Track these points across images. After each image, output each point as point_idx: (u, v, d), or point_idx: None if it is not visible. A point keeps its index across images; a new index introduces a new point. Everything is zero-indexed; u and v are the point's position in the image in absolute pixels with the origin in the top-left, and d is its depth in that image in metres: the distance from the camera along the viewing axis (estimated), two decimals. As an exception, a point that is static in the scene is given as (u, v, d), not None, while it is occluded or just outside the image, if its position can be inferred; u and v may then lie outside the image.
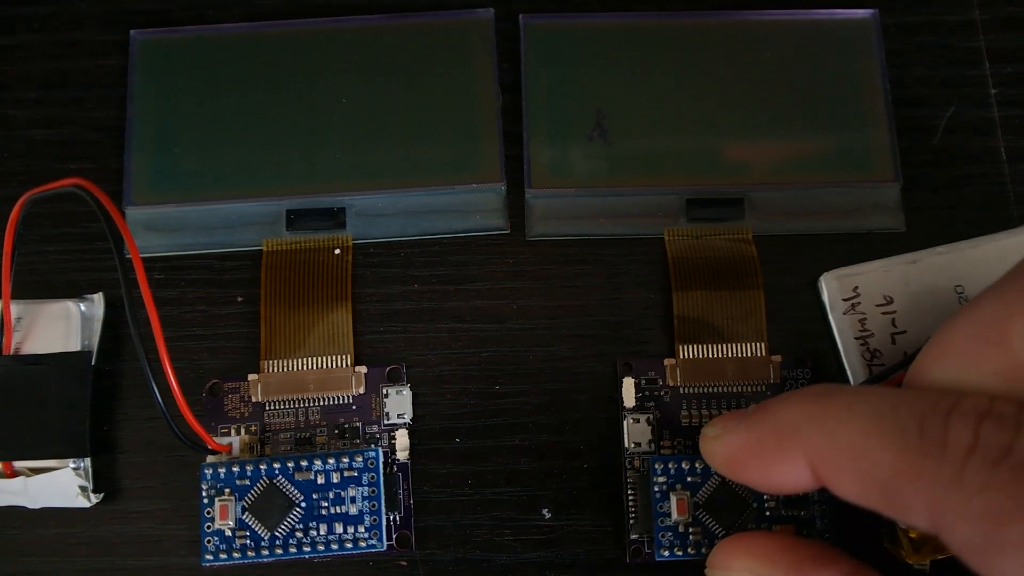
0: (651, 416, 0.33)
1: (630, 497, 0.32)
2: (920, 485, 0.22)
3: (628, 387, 0.33)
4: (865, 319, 0.33)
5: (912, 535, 0.31)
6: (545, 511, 0.33)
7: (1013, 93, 0.37)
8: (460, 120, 0.35)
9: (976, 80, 0.37)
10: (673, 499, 0.31)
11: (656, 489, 0.31)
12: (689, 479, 0.31)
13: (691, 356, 0.34)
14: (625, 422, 0.33)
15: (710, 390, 0.33)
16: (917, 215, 0.35)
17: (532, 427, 0.34)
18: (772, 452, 0.25)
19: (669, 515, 0.31)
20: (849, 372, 0.33)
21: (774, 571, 0.27)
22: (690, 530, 0.31)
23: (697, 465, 0.31)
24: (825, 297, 0.34)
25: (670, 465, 0.31)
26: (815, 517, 0.32)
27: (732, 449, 0.27)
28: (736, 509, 0.31)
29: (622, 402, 0.33)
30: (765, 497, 0.31)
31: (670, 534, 0.31)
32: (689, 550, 0.31)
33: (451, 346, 0.34)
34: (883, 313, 0.33)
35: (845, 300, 0.34)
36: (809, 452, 0.24)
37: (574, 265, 0.35)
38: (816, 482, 0.25)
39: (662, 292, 0.35)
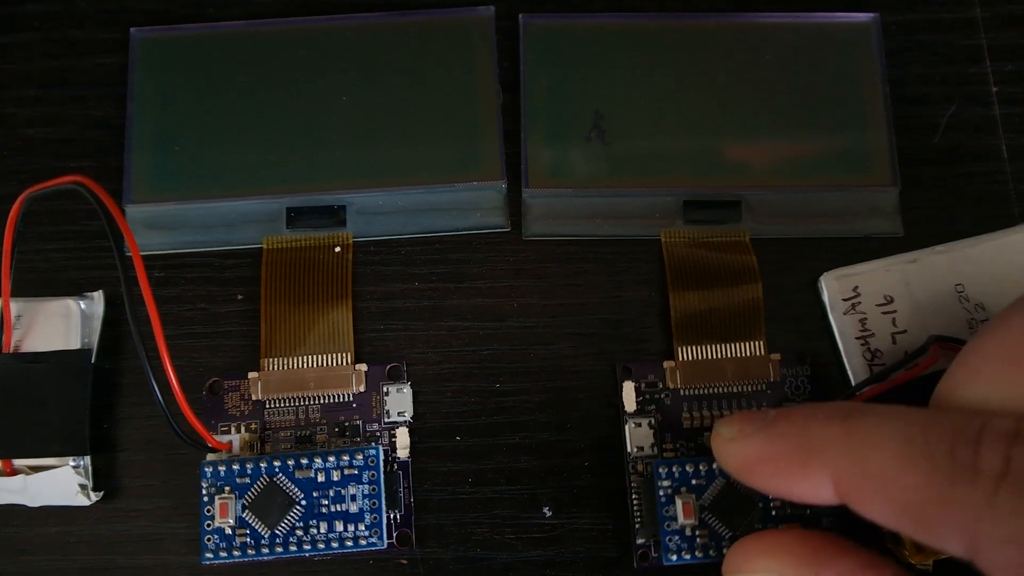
0: (652, 420, 0.33)
1: (635, 502, 0.32)
2: (952, 511, 0.22)
3: (628, 391, 0.33)
4: (865, 319, 0.33)
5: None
6: (546, 509, 0.33)
7: (1014, 91, 0.37)
8: (461, 118, 0.35)
9: (977, 78, 0.37)
10: (679, 502, 0.31)
11: (661, 493, 0.31)
12: (694, 481, 0.31)
13: (690, 358, 0.33)
14: (627, 427, 0.33)
15: (710, 391, 0.33)
16: (917, 214, 0.35)
17: (533, 425, 0.33)
18: (795, 468, 0.25)
19: (675, 519, 0.31)
20: (850, 372, 0.33)
21: (796, 565, 0.26)
22: (697, 533, 0.31)
23: (701, 468, 0.31)
24: (825, 297, 0.34)
25: (674, 468, 0.31)
26: (821, 515, 0.31)
27: (751, 456, 0.26)
28: (742, 510, 0.31)
29: (623, 406, 0.33)
30: (771, 497, 0.31)
31: (677, 538, 0.31)
32: (697, 553, 0.31)
33: (451, 344, 0.34)
34: (883, 313, 0.33)
35: (845, 300, 0.34)
36: (836, 473, 0.24)
37: (575, 263, 0.35)
38: (838, 500, 0.25)
39: (663, 290, 0.35)
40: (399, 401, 0.33)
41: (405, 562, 0.32)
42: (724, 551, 0.30)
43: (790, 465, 0.25)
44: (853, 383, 0.33)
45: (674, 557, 0.31)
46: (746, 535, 0.29)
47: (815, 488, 0.25)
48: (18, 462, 0.32)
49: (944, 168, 0.36)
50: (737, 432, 0.27)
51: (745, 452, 0.26)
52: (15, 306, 0.33)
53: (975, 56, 0.37)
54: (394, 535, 0.32)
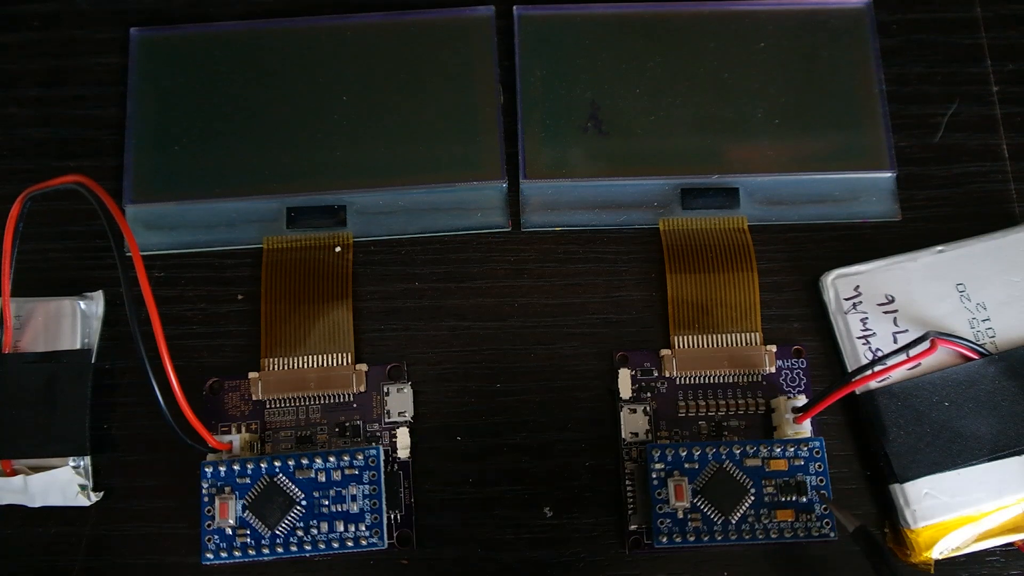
0: (647, 407, 0.33)
1: (628, 489, 0.32)
2: None
3: (624, 378, 0.33)
4: (867, 318, 0.33)
5: (915, 534, 0.31)
6: (547, 509, 0.33)
7: (1015, 90, 0.37)
8: (461, 118, 0.35)
9: (978, 77, 0.37)
10: (671, 485, 0.31)
11: (654, 476, 0.31)
12: (687, 465, 0.31)
13: (687, 346, 0.34)
14: (622, 413, 0.33)
15: (706, 380, 0.33)
16: (918, 212, 0.35)
17: (533, 425, 0.33)
18: None
19: (667, 501, 0.31)
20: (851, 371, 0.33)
21: None
22: (689, 516, 0.31)
23: (694, 452, 0.31)
24: (826, 297, 0.34)
25: (667, 452, 0.31)
26: (814, 502, 0.31)
27: None
28: (735, 495, 0.31)
29: (618, 393, 0.33)
30: (764, 483, 0.31)
31: (669, 521, 0.31)
32: (688, 537, 0.31)
33: (452, 344, 0.34)
34: (885, 312, 0.33)
35: (846, 300, 0.34)
36: None
37: (575, 263, 0.35)
38: None
39: (662, 290, 0.35)
40: (400, 401, 0.33)
41: (406, 562, 0.32)
42: (716, 536, 0.30)
43: None
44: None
45: (665, 540, 0.31)
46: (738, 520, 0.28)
47: None
48: (18, 462, 0.32)
49: (945, 167, 0.36)
50: None
51: None
52: (15, 306, 0.33)
53: (976, 55, 0.37)
54: (395, 535, 0.32)
